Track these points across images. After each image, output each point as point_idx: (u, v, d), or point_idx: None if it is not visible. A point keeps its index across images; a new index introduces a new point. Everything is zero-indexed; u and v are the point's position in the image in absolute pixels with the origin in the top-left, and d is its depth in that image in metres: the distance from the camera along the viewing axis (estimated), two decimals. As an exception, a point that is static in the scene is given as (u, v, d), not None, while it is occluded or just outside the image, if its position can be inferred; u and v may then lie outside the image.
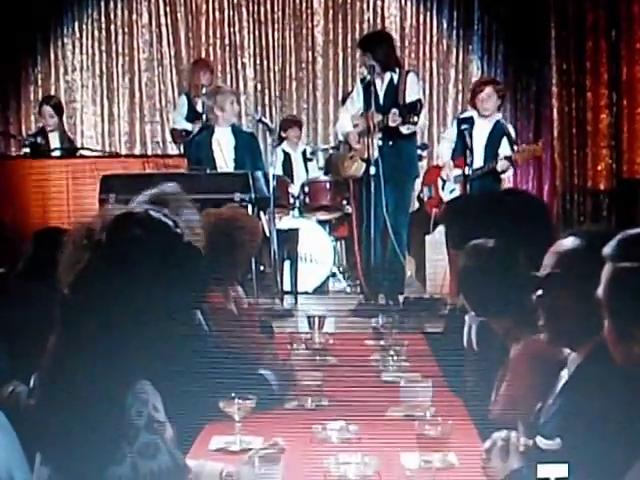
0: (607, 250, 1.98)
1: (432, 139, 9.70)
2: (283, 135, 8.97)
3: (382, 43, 7.34)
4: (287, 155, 8.94)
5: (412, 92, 7.23)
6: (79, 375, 1.79)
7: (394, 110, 7.02)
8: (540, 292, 2.39)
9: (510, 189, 6.92)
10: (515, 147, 7.33)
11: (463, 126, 7.46)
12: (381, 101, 7.19)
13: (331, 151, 9.15)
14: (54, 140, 8.32)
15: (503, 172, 7.40)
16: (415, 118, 7.15)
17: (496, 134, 7.42)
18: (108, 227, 1.85)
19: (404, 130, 7.12)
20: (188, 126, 8.65)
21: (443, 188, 7.66)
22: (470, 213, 3.87)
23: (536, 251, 2.77)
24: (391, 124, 7.03)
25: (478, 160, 7.36)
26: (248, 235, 3.91)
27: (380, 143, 7.10)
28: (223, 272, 3.73)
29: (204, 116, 8.10)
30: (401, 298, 7.21)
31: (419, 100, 7.23)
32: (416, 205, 8.81)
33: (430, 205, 7.82)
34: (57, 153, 8.26)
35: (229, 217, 3.93)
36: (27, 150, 8.30)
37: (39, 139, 8.23)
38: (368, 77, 7.32)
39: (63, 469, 1.83)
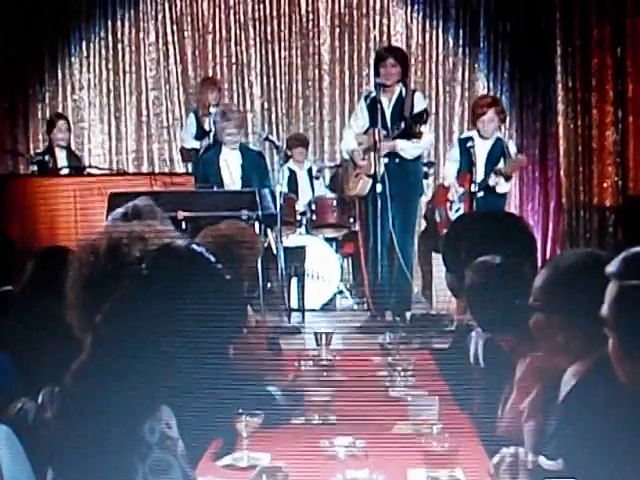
0: (611, 268, 1.96)
1: (438, 156, 9.71)
2: (289, 153, 8.99)
3: (405, 56, 7.47)
4: (293, 173, 8.95)
5: (419, 109, 7.25)
6: (99, 395, 1.79)
7: (400, 123, 7.07)
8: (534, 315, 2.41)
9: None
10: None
11: (465, 145, 7.49)
12: (387, 119, 7.20)
13: (336, 169, 9.17)
14: (62, 158, 8.35)
15: (496, 186, 7.40)
16: (422, 128, 7.16)
17: (496, 152, 7.44)
18: (150, 260, 1.84)
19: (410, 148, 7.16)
20: (197, 145, 8.68)
21: (451, 208, 7.67)
22: (463, 236, 3.86)
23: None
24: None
25: (479, 179, 7.39)
26: (247, 248, 3.93)
27: (386, 160, 7.11)
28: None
29: (211, 134, 8.14)
30: (408, 315, 7.20)
31: (425, 110, 7.25)
32: (422, 224, 8.83)
33: (442, 227, 7.82)
34: (65, 171, 8.29)
35: (227, 232, 3.96)
36: (35, 168, 8.33)
37: (47, 157, 8.26)
38: (372, 94, 7.35)
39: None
